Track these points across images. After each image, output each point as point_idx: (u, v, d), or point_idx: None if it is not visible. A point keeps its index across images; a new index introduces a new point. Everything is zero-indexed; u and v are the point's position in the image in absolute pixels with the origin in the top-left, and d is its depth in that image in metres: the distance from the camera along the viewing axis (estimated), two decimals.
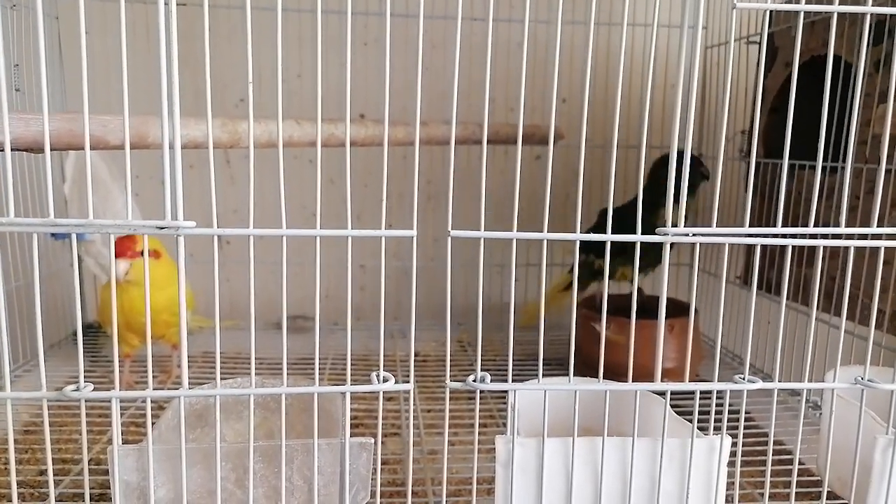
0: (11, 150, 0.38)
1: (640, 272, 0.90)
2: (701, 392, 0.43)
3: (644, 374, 0.44)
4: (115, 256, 0.70)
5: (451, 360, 0.43)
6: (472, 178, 1.14)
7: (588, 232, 0.41)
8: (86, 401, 0.38)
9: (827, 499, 0.46)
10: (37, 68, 0.87)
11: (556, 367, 0.92)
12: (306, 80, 1.03)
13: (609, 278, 0.91)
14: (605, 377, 0.44)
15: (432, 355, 0.98)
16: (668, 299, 0.43)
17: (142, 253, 0.71)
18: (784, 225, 0.42)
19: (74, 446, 0.66)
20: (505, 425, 0.74)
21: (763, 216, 0.86)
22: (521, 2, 1.06)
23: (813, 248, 0.65)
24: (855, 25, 0.69)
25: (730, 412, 0.44)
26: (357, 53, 1.02)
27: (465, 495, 0.61)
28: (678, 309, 0.85)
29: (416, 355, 0.96)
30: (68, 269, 0.99)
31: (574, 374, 0.44)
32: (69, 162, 0.89)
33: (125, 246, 0.71)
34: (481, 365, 0.44)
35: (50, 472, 0.38)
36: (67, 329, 0.99)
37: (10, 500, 0.56)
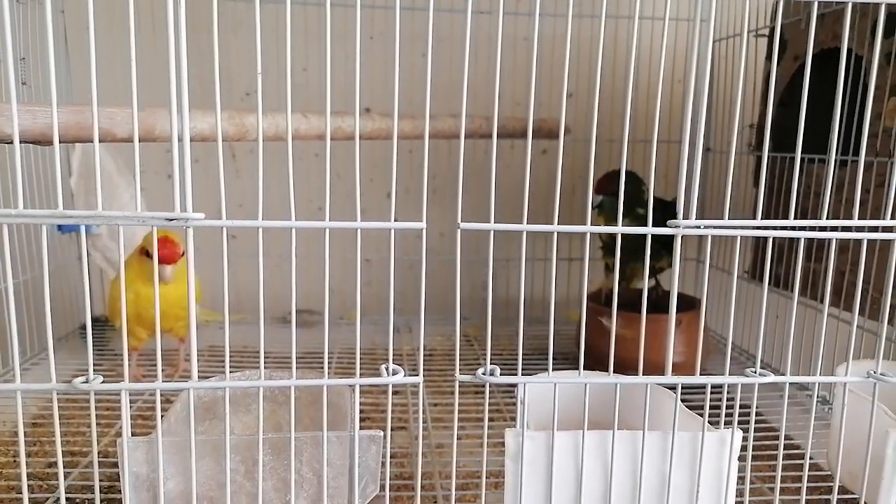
0: (19, 142, 0.38)
1: (652, 274, 0.91)
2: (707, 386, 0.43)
3: (652, 369, 0.44)
4: (163, 262, 0.69)
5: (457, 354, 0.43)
6: (478, 172, 1.14)
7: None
8: (94, 393, 0.38)
9: (838, 493, 0.46)
10: (44, 62, 0.87)
11: (560, 361, 0.92)
12: (312, 73, 1.03)
13: (622, 279, 0.92)
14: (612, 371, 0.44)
15: (438, 349, 0.98)
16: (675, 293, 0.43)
17: (183, 253, 0.70)
18: (794, 218, 0.42)
19: (82, 439, 0.66)
20: (511, 419, 0.74)
21: (771, 210, 0.85)
22: None
23: (822, 243, 0.64)
24: (866, 17, 0.69)
25: (739, 406, 0.44)
26: (363, 47, 1.02)
27: (472, 489, 0.61)
28: (685, 303, 0.85)
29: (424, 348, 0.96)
30: (74, 263, 1.00)
31: (577, 368, 0.44)
32: (75, 156, 0.89)
33: (173, 253, 0.70)
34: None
35: (60, 464, 0.38)
36: (74, 323, 0.99)
37: (20, 492, 0.56)
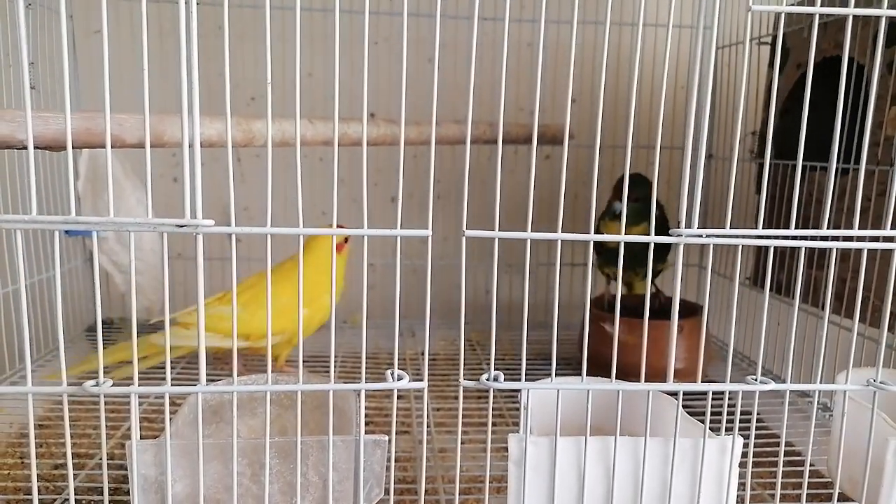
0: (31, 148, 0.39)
1: (645, 278, 0.92)
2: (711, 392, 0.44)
3: (654, 375, 0.44)
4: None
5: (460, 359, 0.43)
6: (482, 178, 1.14)
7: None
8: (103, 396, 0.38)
9: (838, 501, 0.47)
10: (51, 66, 0.88)
11: (563, 366, 0.92)
12: (317, 79, 1.03)
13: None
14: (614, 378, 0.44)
15: (441, 354, 0.98)
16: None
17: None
18: (795, 227, 0.42)
19: (88, 441, 0.67)
20: (513, 423, 0.75)
21: (773, 217, 0.86)
22: (530, 2, 1.06)
23: (823, 250, 0.64)
24: (868, 27, 0.69)
25: (740, 413, 0.44)
26: (367, 53, 1.03)
27: (475, 493, 0.62)
28: (687, 310, 0.85)
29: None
30: (79, 267, 1.00)
31: (580, 374, 0.44)
32: (82, 160, 0.90)
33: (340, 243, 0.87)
34: (490, 364, 0.44)
35: (69, 466, 0.39)
36: (80, 326, 1.00)
37: (27, 494, 0.56)
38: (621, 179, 0.87)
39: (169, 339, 0.39)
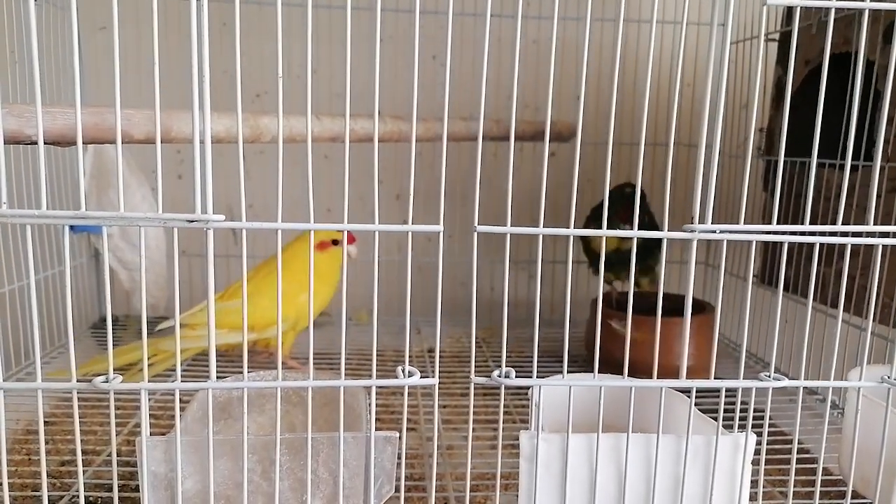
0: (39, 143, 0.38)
1: (643, 276, 0.91)
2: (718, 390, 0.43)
3: (661, 372, 0.44)
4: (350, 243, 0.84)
5: (466, 356, 0.43)
6: (487, 175, 1.13)
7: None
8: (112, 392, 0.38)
9: (851, 499, 0.46)
10: (55, 64, 0.87)
11: (568, 363, 0.92)
12: (321, 76, 1.03)
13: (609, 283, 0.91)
14: (620, 374, 0.44)
15: (446, 351, 0.98)
16: (683, 297, 0.43)
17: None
18: (803, 223, 0.42)
19: (94, 437, 0.67)
20: (521, 421, 0.74)
21: (780, 214, 0.85)
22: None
23: (832, 247, 0.64)
24: (878, 23, 0.69)
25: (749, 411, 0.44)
26: (373, 50, 1.02)
27: (482, 490, 0.62)
28: (693, 307, 0.85)
29: (431, 351, 0.96)
30: (83, 263, 1.00)
31: (588, 371, 0.44)
32: (87, 156, 0.90)
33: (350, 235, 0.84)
34: (495, 361, 0.44)
35: (79, 463, 0.39)
36: (85, 322, 1.00)
37: (35, 490, 0.56)
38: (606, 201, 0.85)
39: (179, 340, 0.39)
